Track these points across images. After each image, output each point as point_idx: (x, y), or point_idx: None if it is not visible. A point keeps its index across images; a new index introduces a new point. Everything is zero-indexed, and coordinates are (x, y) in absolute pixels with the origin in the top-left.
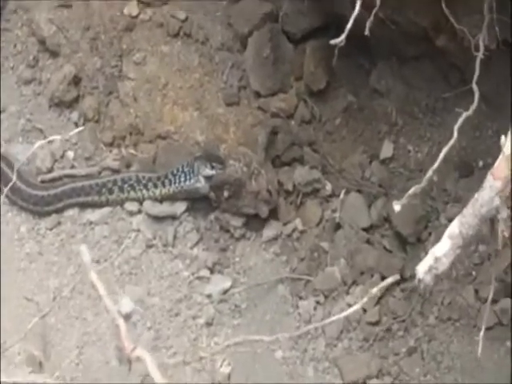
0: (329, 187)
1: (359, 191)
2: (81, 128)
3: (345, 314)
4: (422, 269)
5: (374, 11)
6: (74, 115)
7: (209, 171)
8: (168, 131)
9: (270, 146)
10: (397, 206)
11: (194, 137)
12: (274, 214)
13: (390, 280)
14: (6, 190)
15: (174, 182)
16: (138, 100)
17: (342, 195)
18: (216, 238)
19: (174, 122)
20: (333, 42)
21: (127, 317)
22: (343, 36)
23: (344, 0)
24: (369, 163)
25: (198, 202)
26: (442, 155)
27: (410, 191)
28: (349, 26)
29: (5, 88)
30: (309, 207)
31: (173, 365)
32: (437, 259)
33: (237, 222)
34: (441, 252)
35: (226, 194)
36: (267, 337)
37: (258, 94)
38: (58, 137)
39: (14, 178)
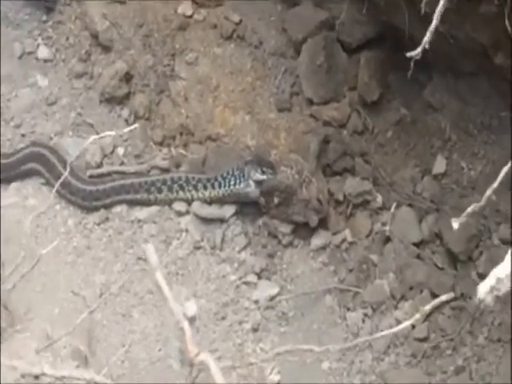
0: (379, 199)
1: (410, 205)
2: (134, 126)
3: (395, 329)
4: (483, 289)
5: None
6: (125, 112)
7: (259, 176)
8: (218, 133)
9: (321, 154)
10: (455, 224)
11: (244, 141)
12: (323, 223)
13: (443, 298)
14: (57, 184)
15: (224, 185)
16: (189, 100)
17: (392, 208)
18: (264, 244)
19: (224, 124)
20: (409, 54)
21: (192, 320)
22: (419, 49)
23: (401, 11)
24: (421, 178)
25: (246, 206)
26: (501, 174)
27: (469, 209)
28: (426, 39)
29: (56, 80)
30: (359, 218)
31: (221, 369)
32: (499, 280)
33: (285, 228)
34: (503, 273)
35: (276, 200)
36: (317, 347)
37: (310, 102)
38: (111, 133)
39: (66, 172)
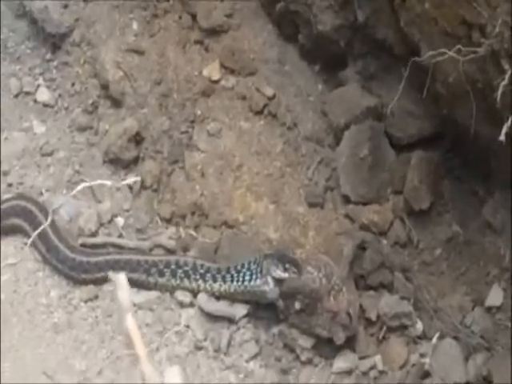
0: (419, 326)
1: (456, 338)
2: (137, 179)
3: None
4: None
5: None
6: (130, 178)
7: (281, 273)
8: (236, 220)
9: (355, 262)
10: None
11: (266, 233)
12: (350, 342)
13: None
14: (33, 235)
15: (237, 280)
16: (206, 176)
17: (434, 339)
18: (278, 356)
19: (244, 210)
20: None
21: None
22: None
23: (467, 104)
24: (471, 308)
25: (261, 308)
26: None
27: None
28: (504, 130)
29: (55, 129)
30: (393, 345)
31: None
32: None
33: (305, 342)
34: None
35: (297, 305)
36: None
37: (347, 200)
38: (107, 182)
39: (46, 223)
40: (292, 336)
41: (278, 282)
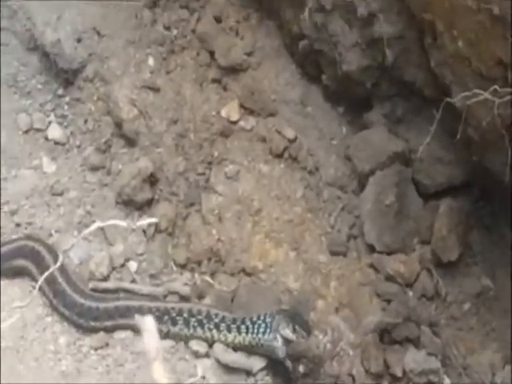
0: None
1: None
2: (153, 220)
3: None
4: None
5: None
6: (143, 222)
7: (289, 333)
8: (255, 267)
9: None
10: None
11: (285, 282)
12: None
13: None
14: (42, 278)
15: (252, 332)
16: (223, 221)
17: None
18: None
19: (263, 257)
20: None
21: None
22: None
23: (501, 151)
24: (502, 366)
25: (281, 363)
26: None
27: None
28: None
29: (66, 168)
30: None
31: None
32: None
33: None
34: None
35: (301, 369)
36: None
37: (371, 249)
38: (122, 223)
39: (54, 267)
40: None
41: (286, 341)
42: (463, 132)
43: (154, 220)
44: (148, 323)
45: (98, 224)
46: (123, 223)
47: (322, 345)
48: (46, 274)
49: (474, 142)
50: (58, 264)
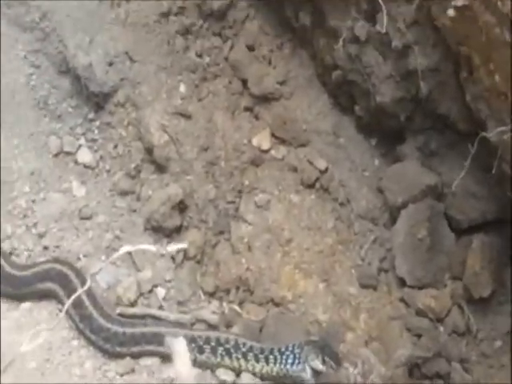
0: None
1: None
2: (183, 245)
3: None
4: None
5: None
6: (173, 247)
7: (319, 364)
8: (284, 298)
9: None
10: None
11: (314, 313)
12: None
13: None
14: (68, 302)
15: (280, 363)
16: (252, 250)
17: None
18: None
19: (292, 288)
20: None
21: None
22: None
23: None
24: None
25: None
26: None
27: None
28: None
29: (95, 192)
30: None
31: None
32: None
33: None
34: None
35: None
36: None
37: (402, 283)
38: (151, 247)
39: (81, 290)
40: None
41: (315, 372)
42: (498, 167)
43: (183, 246)
44: (180, 345)
45: (127, 248)
46: (153, 248)
47: (353, 377)
48: (74, 296)
49: (508, 178)
50: (86, 287)
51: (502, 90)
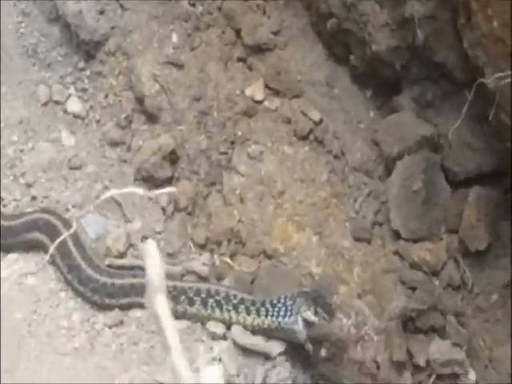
0: (472, 376)
1: None
2: (172, 189)
3: None
4: None
5: None
6: (163, 198)
7: (310, 315)
8: (276, 250)
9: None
10: None
11: (307, 266)
12: None
13: None
14: (53, 246)
15: (272, 315)
16: (244, 202)
17: None
18: None
19: (285, 240)
20: None
21: None
22: None
23: None
24: None
25: (300, 347)
26: None
27: None
28: None
29: (85, 142)
30: None
31: None
32: None
33: None
34: None
35: (323, 352)
36: None
37: (397, 235)
38: (139, 191)
39: (67, 234)
40: None
41: (307, 323)
42: (495, 117)
43: (172, 189)
44: (151, 248)
45: (113, 191)
46: (140, 191)
47: (346, 328)
48: (59, 240)
49: (505, 129)
50: (72, 231)
51: (499, 36)
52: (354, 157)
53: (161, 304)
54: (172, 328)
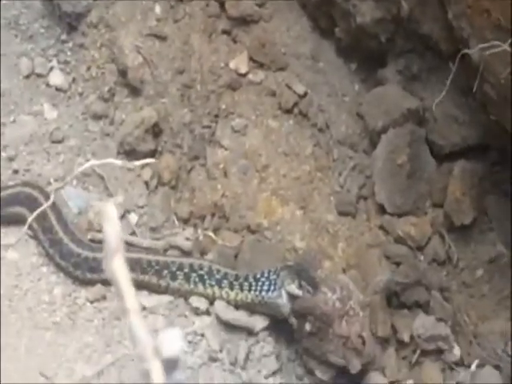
0: (457, 351)
1: (497, 367)
2: (151, 160)
3: None
4: None
5: None
6: (146, 172)
7: (295, 289)
8: (260, 225)
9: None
10: None
11: (291, 240)
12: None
13: None
14: (32, 216)
15: (255, 290)
16: (228, 176)
17: (473, 366)
18: (299, 375)
19: (269, 215)
20: None
21: (169, 365)
22: None
23: None
24: None
25: (284, 322)
26: None
27: None
28: None
29: (67, 116)
30: (427, 369)
31: None
32: None
33: (323, 374)
34: None
35: (308, 327)
36: None
37: (382, 210)
38: (117, 162)
39: (46, 204)
40: (309, 365)
41: (291, 297)
42: (479, 89)
43: (151, 160)
44: (109, 210)
45: (92, 162)
46: (119, 162)
47: (331, 302)
48: (38, 211)
49: (491, 101)
50: (50, 202)
51: (484, 7)
52: (339, 130)
53: (119, 267)
54: (131, 291)
